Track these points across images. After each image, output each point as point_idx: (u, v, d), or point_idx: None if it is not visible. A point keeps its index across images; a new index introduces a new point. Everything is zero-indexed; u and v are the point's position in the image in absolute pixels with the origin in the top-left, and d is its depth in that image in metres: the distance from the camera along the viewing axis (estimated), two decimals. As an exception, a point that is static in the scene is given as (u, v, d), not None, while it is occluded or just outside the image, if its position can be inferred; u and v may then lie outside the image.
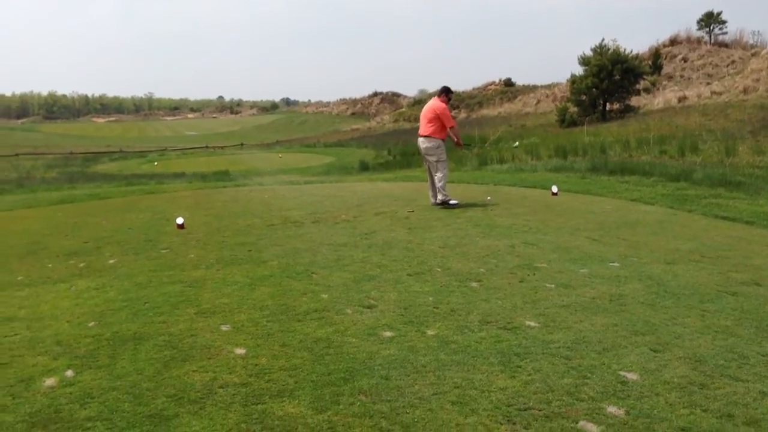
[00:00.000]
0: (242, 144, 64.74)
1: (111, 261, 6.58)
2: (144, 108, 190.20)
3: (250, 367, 3.59)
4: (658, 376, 3.36)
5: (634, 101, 36.86)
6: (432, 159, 9.69)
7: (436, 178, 9.68)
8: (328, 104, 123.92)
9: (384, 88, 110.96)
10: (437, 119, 9.68)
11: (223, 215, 9.59)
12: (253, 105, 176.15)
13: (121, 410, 3.11)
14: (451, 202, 9.56)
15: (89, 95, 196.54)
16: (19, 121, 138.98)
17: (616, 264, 5.78)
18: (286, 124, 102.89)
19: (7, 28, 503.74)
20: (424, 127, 9.78)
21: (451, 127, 9.86)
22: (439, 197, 9.61)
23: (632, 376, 3.35)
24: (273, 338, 4.05)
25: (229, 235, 7.74)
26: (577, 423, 2.88)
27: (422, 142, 9.79)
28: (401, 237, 7.28)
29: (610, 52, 35.47)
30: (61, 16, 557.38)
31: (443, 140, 9.79)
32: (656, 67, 45.23)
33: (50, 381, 3.49)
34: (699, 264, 5.76)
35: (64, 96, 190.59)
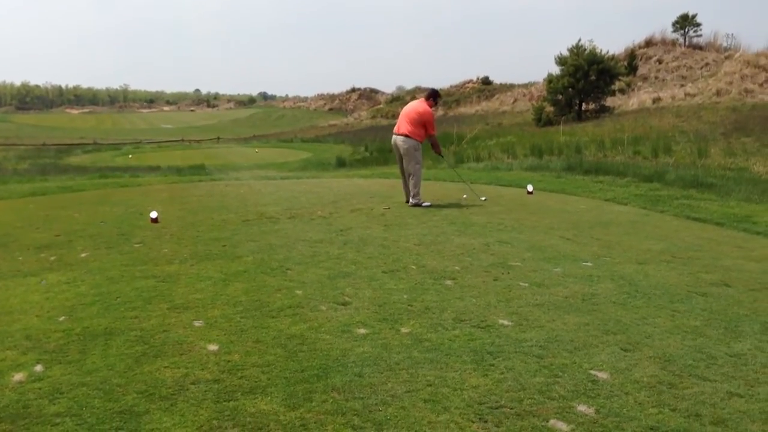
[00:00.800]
0: (219, 138, 64.29)
1: (83, 255, 6.50)
2: (119, 100, 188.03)
3: (222, 363, 3.57)
4: (628, 375, 3.40)
5: (609, 102, 37.16)
6: (408, 160, 9.51)
7: (411, 181, 9.53)
8: (305, 99, 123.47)
9: (362, 84, 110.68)
10: (420, 123, 9.44)
11: (198, 210, 9.52)
12: (230, 99, 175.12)
13: (90, 406, 3.08)
14: (424, 204, 9.45)
15: (63, 86, 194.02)
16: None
17: (589, 263, 5.84)
18: (263, 119, 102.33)
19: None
20: (404, 126, 9.52)
21: (431, 135, 9.65)
22: (413, 200, 9.49)
23: (602, 375, 3.39)
24: (246, 334, 4.03)
25: (204, 230, 7.68)
26: (547, 421, 2.91)
27: (401, 142, 9.54)
28: (377, 234, 7.29)
29: (586, 52, 35.71)
30: (35, 3, 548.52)
31: (421, 142, 9.61)
32: (631, 68, 45.61)
33: (19, 376, 3.44)
34: (670, 264, 5.84)
35: (38, 86, 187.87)
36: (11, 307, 4.73)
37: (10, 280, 5.53)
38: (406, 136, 9.48)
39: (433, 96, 9.75)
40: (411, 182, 9.53)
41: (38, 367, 3.55)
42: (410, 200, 9.51)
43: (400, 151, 9.65)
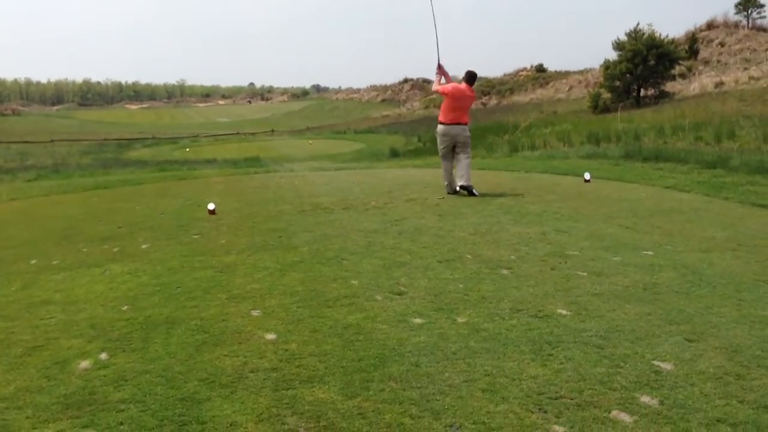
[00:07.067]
0: (273, 130, 65.03)
1: (144, 246, 6.65)
2: (176, 95, 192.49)
3: (280, 352, 3.61)
4: (693, 366, 3.30)
5: (669, 87, 36.21)
6: (466, 147, 9.72)
7: (468, 161, 9.62)
8: (358, 91, 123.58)
9: (414, 75, 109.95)
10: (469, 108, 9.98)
11: (253, 201, 9.64)
12: (284, 91, 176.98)
13: (154, 393, 3.15)
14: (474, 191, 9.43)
15: (122, 82, 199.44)
16: (55, 108, 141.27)
17: (650, 252, 5.69)
18: (316, 111, 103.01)
19: (41, 14, 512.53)
20: (464, 115, 9.83)
21: None
22: (469, 184, 9.40)
23: (666, 366, 3.30)
24: (303, 324, 4.06)
25: (260, 221, 7.78)
26: (609, 412, 2.84)
27: (463, 131, 9.75)
28: (431, 223, 7.26)
29: (645, 36, 34.87)
30: (94, 2, 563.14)
31: None
32: (692, 52, 44.33)
33: (85, 363, 3.54)
34: (735, 252, 5.64)
35: (98, 83, 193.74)
36: (77, 296, 4.88)
37: (75, 271, 5.70)
38: (466, 124, 9.86)
39: (474, 79, 10.01)
40: (469, 162, 9.62)
41: (103, 355, 3.65)
42: (469, 184, 9.39)
43: (459, 139, 9.76)
